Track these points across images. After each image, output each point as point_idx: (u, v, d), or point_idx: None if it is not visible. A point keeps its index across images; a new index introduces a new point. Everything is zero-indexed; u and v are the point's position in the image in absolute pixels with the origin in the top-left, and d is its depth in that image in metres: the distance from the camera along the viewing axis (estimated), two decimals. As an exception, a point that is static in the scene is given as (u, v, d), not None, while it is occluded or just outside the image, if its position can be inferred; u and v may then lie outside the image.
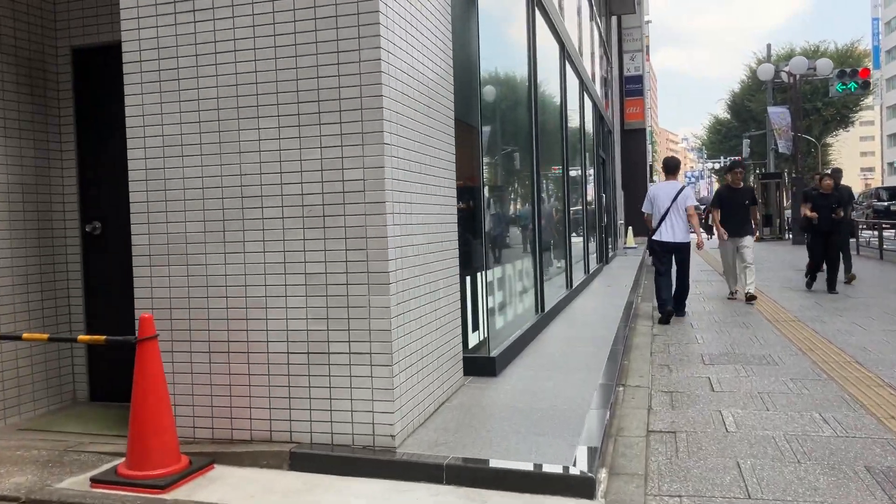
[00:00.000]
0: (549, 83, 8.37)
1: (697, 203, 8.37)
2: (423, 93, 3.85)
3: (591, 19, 13.66)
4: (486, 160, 5.45)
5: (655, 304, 8.30)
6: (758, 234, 9.17)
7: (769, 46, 26.10)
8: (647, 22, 33.91)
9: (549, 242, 8.26)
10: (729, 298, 9.69)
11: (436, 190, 4.06)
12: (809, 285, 10.54)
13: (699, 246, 8.50)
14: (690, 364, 5.70)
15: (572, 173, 10.18)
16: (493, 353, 4.87)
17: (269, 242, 3.44)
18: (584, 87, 11.36)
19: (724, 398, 4.64)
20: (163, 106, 3.58)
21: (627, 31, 25.11)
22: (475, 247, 4.96)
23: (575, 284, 9.39)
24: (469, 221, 4.96)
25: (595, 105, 13.47)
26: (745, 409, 4.35)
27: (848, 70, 24.33)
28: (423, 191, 3.82)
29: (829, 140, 52.77)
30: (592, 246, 12.79)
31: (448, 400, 4.17)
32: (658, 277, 8.11)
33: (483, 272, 5.09)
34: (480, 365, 4.77)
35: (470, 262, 4.95)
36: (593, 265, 12.42)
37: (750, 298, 9.16)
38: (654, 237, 8.16)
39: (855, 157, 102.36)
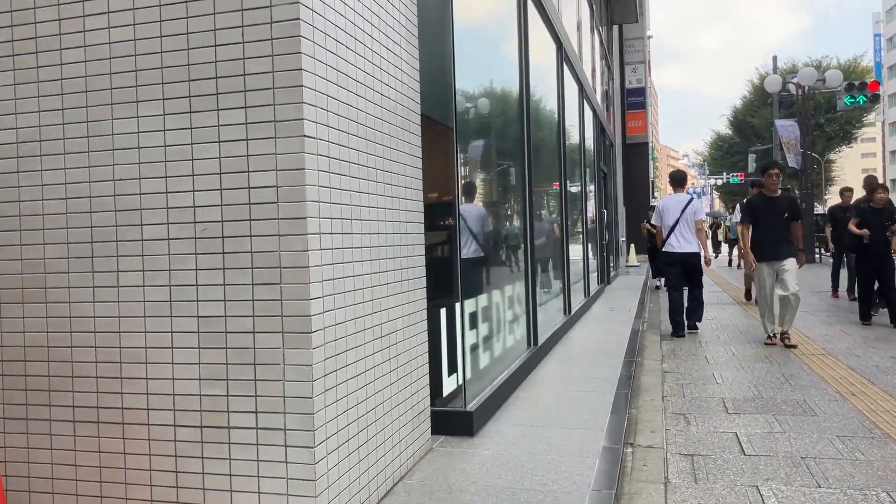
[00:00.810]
0: (544, 86, 7.48)
1: (705, 217, 8.73)
2: (370, 74, 2.93)
3: (592, 24, 12.81)
4: (464, 168, 4.55)
5: (668, 319, 8.40)
6: (804, 258, 7.42)
7: (775, 59, 25.31)
8: (649, 37, 33.13)
9: (545, 263, 7.33)
10: (767, 343, 7.36)
11: (393, 202, 3.14)
12: (867, 316, 8.52)
13: (707, 262, 8.35)
14: (711, 413, 4.75)
15: (571, 187, 9.27)
16: (471, 406, 3.93)
17: (151, 273, 2.51)
18: (583, 93, 10.49)
19: (759, 466, 3.68)
20: (17, 90, 2.66)
21: (629, 43, 24.37)
22: (451, 273, 4.03)
23: (574, 310, 8.45)
24: (443, 242, 4.04)
25: (596, 115, 12.59)
26: (790, 486, 3.40)
27: (857, 83, 23.53)
28: (372, 203, 2.90)
29: (832, 156, 52.24)
30: (593, 265, 11.86)
31: (407, 474, 3.22)
32: (670, 291, 8.28)
33: (461, 302, 4.16)
34: (454, 422, 3.83)
35: (444, 292, 4.02)
36: (594, 286, 11.49)
37: (787, 344, 7.14)
38: (663, 249, 8.29)
39: (857, 174, 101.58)
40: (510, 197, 5.98)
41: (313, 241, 2.38)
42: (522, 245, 6.01)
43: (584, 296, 10.24)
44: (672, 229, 8.13)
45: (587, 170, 11.07)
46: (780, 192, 7.44)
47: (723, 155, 63.72)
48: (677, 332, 8.14)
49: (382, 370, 2.97)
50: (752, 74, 72.96)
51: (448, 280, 3.97)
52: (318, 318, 2.40)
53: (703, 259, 8.25)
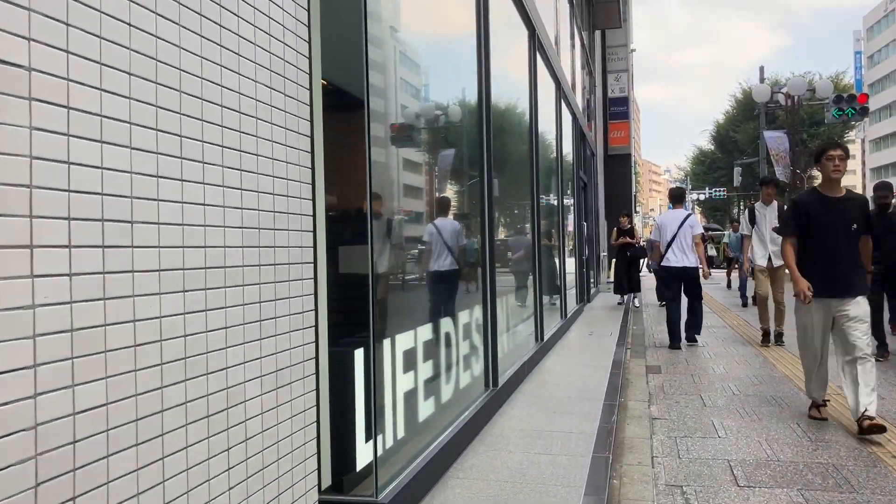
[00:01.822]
0: (510, 75, 6.41)
1: (703, 231, 8.64)
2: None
3: (572, 20, 11.81)
4: (385, 159, 3.44)
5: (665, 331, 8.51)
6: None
7: (762, 69, 24.53)
8: (632, 50, 32.29)
9: (512, 283, 6.23)
10: (813, 416, 4.90)
11: (247, 198, 2.01)
12: None
13: (705, 276, 8.30)
14: (717, 485, 3.64)
15: (544, 196, 8.20)
16: (386, 494, 2.78)
17: None
18: (561, 92, 9.44)
19: (796, 587, 2.57)
20: None
21: (612, 50, 23.46)
22: (360, 303, 2.89)
23: (547, 336, 7.35)
24: (348, 260, 2.92)
25: (575, 118, 11.56)
26: None
27: (845, 95, 22.79)
28: (193, 196, 1.77)
29: (814, 172, 52.11)
30: (571, 283, 10.79)
31: None
32: (669, 304, 8.32)
33: (377, 344, 3.04)
34: (359, 517, 2.69)
35: (349, 330, 2.90)
36: (572, 306, 10.41)
37: (869, 428, 4.31)
38: (661, 263, 8.32)
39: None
40: (465, 205, 4.87)
41: None
42: (480, 263, 4.89)
43: (561, 317, 9.15)
44: (670, 244, 8.21)
45: (564, 177, 10.00)
46: (843, 190, 4.78)
47: (705, 171, 63.41)
48: (674, 343, 8.21)
49: (212, 470, 1.83)
50: (736, 90, 73.05)
51: (352, 315, 2.84)
52: None
53: (700, 273, 8.30)
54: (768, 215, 8.28)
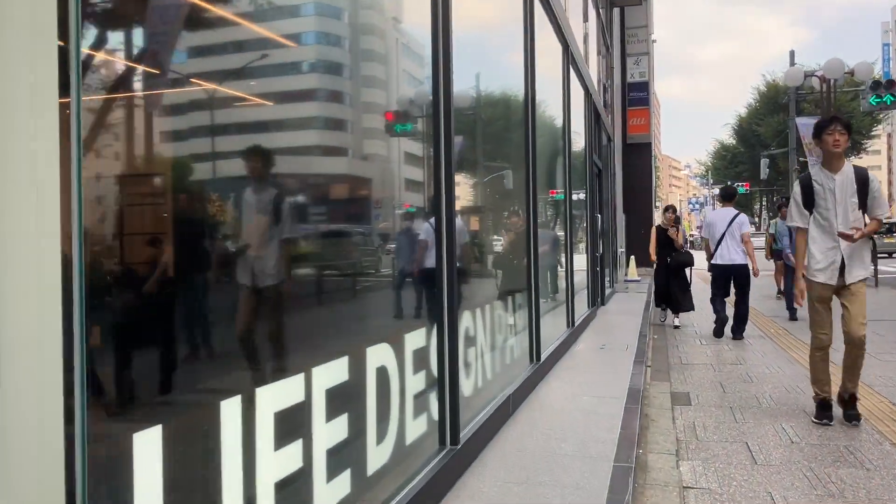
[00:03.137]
0: (488, 22, 4.93)
1: (751, 230, 8.67)
2: None
3: (584, -20, 10.27)
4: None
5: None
6: None
7: (792, 53, 22.76)
8: (653, 41, 30.50)
9: (494, 292, 4.76)
10: None
11: None
12: None
13: (755, 273, 8.34)
14: None
15: (542, 180, 6.71)
16: None
17: None
18: (570, 58, 7.92)
19: None
20: None
21: (632, 32, 21.87)
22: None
23: (546, 353, 5.86)
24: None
25: (588, 95, 10.03)
26: None
27: (884, 81, 21.02)
28: None
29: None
30: (580, 284, 9.28)
31: None
32: (714, 299, 8.68)
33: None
34: None
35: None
36: (582, 311, 8.90)
37: None
38: (711, 261, 8.55)
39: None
40: (413, 186, 3.40)
41: None
42: (436, 266, 3.42)
43: (568, 326, 7.67)
44: (719, 242, 8.43)
45: (573, 161, 8.47)
46: None
47: (726, 165, 61.69)
48: (718, 329, 8.62)
49: None
50: (759, 82, 70.91)
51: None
52: None
53: (751, 270, 8.36)
54: (839, 191, 4.46)
